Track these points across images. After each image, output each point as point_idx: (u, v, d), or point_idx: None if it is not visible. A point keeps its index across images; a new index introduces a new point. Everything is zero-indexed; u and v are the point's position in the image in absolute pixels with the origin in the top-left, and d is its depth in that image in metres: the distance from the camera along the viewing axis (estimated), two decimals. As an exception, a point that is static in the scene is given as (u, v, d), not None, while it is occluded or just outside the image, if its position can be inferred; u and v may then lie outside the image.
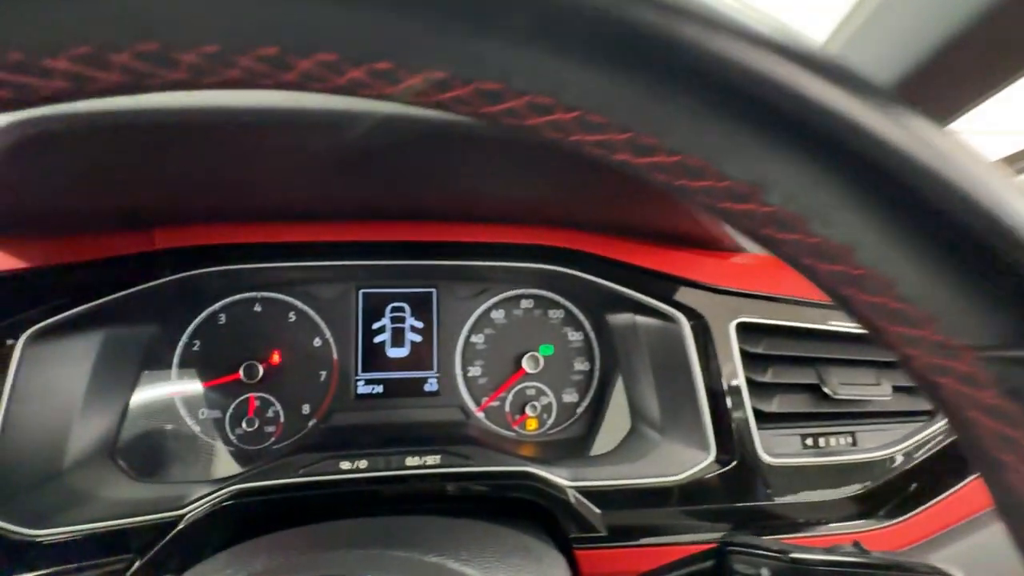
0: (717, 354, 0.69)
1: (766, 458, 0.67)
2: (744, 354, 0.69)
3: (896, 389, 0.69)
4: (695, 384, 0.69)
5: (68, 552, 0.55)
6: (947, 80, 0.43)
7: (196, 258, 0.65)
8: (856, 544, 0.45)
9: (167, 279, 0.64)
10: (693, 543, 0.64)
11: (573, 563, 0.58)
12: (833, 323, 0.71)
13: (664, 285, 0.71)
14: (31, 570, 0.54)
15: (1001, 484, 0.20)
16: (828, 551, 0.47)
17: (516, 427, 0.81)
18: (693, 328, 0.70)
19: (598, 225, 0.71)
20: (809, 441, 0.69)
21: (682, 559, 0.47)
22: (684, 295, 0.70)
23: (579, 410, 0.82)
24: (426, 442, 0.69)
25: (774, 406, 0.69)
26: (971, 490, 0.66)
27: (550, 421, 0.82)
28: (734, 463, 0.66)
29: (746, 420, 0.67)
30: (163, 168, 0.51)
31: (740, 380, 0.68)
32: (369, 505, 0.64)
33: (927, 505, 0.66)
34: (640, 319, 0.75)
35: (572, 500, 0.63)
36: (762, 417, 0.68)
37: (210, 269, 0.66)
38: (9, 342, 0.56)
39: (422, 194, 0.61)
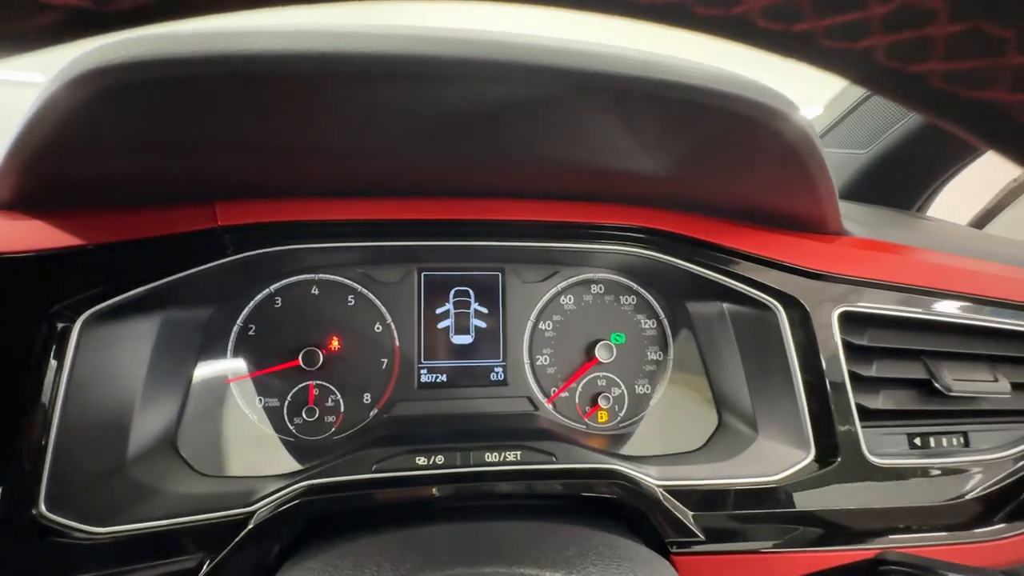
0: (817, 346, 0.63)
1: (871, 458, 0.62)
2: (847, 346, 0.63)
3: (1015, 386, 0.64)
4: (792, 377, 0.64)
5: (134, 551, 0.51)
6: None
7: (258, 236, 0.60)
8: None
9: (228, 259, 0.59)
10: (797, 551, 0.60)
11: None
12: (946, 313, 0.65)
13: (759, 270, 0.65)
14: (94, 570, 0.50)
15: None
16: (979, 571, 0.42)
17: (587, 419, 0.76)
18: (791, 317, 0.64)
19: (693, 203, 0.65)
20: (917, 441, 0.64)
21: (825, 572, 0.43)
22: (782, 281, 0.65)
23: (652, 402, 0.78)
24: (497, 436, 0.64)
25: (879, 402, 0.64)
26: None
27: (622, 414, 0.77)
28: (836, 463, 0.61)
29: (849, 417, 0.62)
30: (236, 128, 0.46)
31: (843, 374, 0.63)
32: (447, 503, 0.60)
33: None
34: (730, 307, 0.69)
35: (663, 500, 0.59)
36: (866, 414, 0.63)
37: (271, 249, 0.61)
38: (65, 325, 0.51)
39: (521, 159, 0.55)
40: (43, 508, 0.49)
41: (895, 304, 0.65)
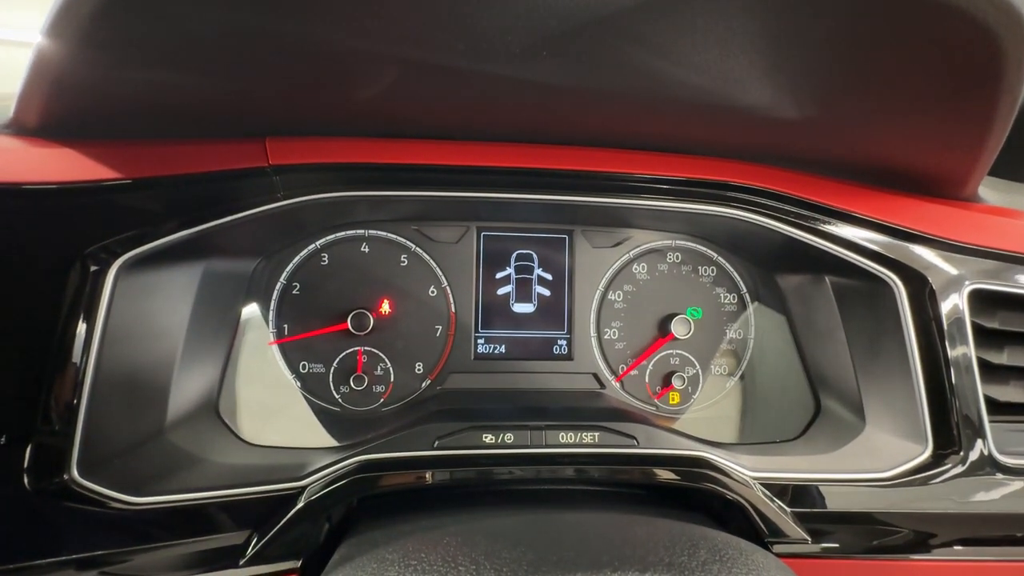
0: (942, 327, 0.55)
1: (999, 456, 0.54)
2: (976, 329, 0.55)
3: None
4: (910, 362, 0.56)
5: (174, 524, 0.46)
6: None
7: (310, 179, 0.53)
8: None
9: (278, 204, 0.52)
10: (909, 558, 0.52)
11: None
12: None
13: (875, 237, 0.57)
14: (130, 544, 0.45)
15: None
16: None
17: (658, 400, 0.69)
18: (911, 293, 0.56)
19: (807, 158, 0.57)
20: (1053, 439, 0.56)
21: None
22: (904, 252, 0.56)
23: (728, 384, 0.70)
24: (562, 415, 0.57)
25: (1010, 394, 0.56)
26: None
27: (696, 396, 0.70)
28: (957, 459, 0.54)
29: (976, 409, 0.54)
30: (286, 30, 0.38)
31: (970, 360, 0.55)
32: (517, 486, 0.54)
33: None
34: (834, 279, 0.61)
35: (759, 494, 0.52)
36: (995, 407, 0.55)
37: (323, 196, 0.54)
38: (99, 269, 0.45)
39: (630, 86, 0.46)
40: (75, 473, 0.44)
41: (1034, 282, 0.56)
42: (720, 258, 0.70)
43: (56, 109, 0.44)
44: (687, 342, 0.69)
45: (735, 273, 0.71)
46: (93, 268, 0.45)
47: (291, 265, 0.64)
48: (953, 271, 0.56)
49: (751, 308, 0.71)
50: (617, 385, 0.69)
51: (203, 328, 0.54)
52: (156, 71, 0.42)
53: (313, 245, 0.64)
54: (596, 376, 0.69)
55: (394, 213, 0.65)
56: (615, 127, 0.56)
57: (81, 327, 0.45)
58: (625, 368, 0.69)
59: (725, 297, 0.71)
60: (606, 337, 0.69)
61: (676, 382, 0.68)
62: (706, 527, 0.44)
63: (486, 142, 0.58)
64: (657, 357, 0.69)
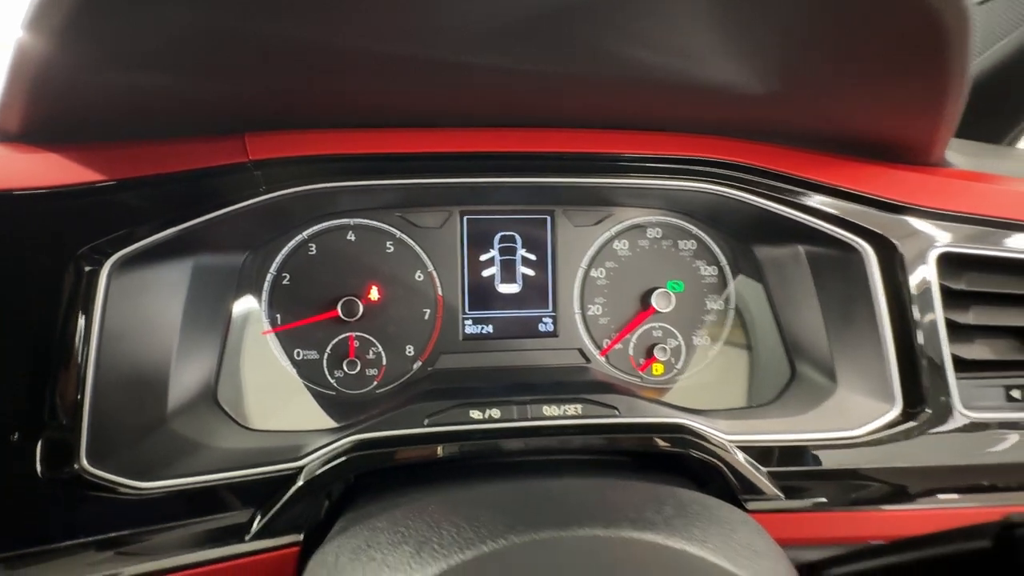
0: (911, 290, 0.57)
1: (964, 411, 0.57)
2: (944, 291, 0.57)
3: None
4: (879, 325, 0.58)
5: (181, 506, 0.49)
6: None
7: (291, 172, 0.54)
8: None
9: (261, 198, 0.53)
10: (880, 508, 0.55)
11: None
12: (1058, 253, 0.58)
13: (844, 205, 0.58)
14: (141, 525, 0.47)
15: None
16: None
17: (642, 372, 0.71)
18: (880, 259, 0.58)
19: (773, 131, 0.58)
20: (1016, 393, 0.58)
21: (946, 533, 0.38)
22: (873, 219, 0.58)
23: (711, 354, 0.72)
24: (549, 389, 0.60)
25: (975, 352, 0.58)
26: None
27: (679, 366, 0.72)
28: (925, 416, 0.56)
29: (942, 368, 0.57)
30: (267, 34, 0.39)
31: (938, 322, 0.57)
32: (503, 459, 0.56)
33: None
34: (807, 248, 0.63)
35: (735, 456, 0.54)
36: (961, 365, 0.57)
37: (306, 187, 0.55)
38: (93, 269, 0.47)
39: (596, 68, 0.47)
40: (85, 463, 0.46)
41: (1000, 244, 0.58)
42: (700, 232, 0.72)
43: (37, 114, 0.45)
44: (669, 315, 0.71)
45: (714, 246, 0.72)
46: (87, 268, 0.47)
47: (280, 256, 0.66)
48: (921, 236, 0.57)
49: (731, 280, 0.72)
50: (602, 359, 0.71)
51: (197, 321, 0.56)
52: (136, 71, 0.43)
53: (300, 236, 0.66)
54: (581, 351, 0.71)
55: (378, 201, 0.66)
56: (589, 109, 0.57)
57: (80, 325, 0.47)
58: (609, 342, 0.71)
59: (705, 270, 0.72)
60: (590, 313, 0.71)
61: (659, 354, 0.71)
62: (679, 487, 0.47)
63: (465, 128, 0.59)
64: (640, 330, 0.71)
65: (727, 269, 0.73)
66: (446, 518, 0.36)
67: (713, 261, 0.73)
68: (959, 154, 0.62)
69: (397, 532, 0.36)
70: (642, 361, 0.72)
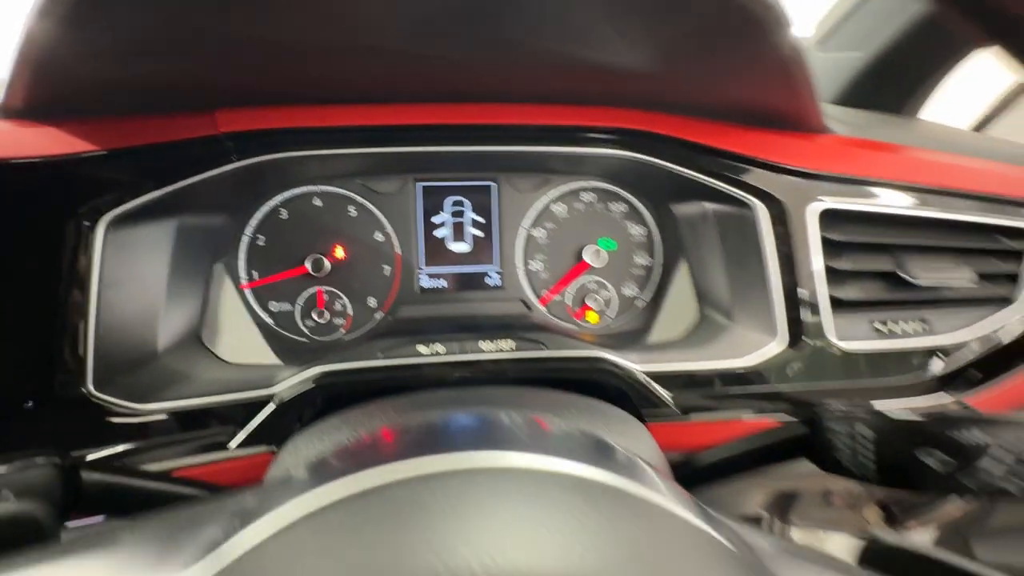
0: (795, 241, 0.67)
1: (837, 343, 0.67)
2: (824, 241, 0.67)
3: (979, 276, 0.68)
4: (767, 272, 0.68)
5: (172, 425, 0.58)
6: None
7: (259, 143, 0.63)
8: (958, 402, 0.46)
9: (233, 165, 0.62)
10: (761, 419, 0.66)
11: None
12: (917, 208, 0.68)
13: (739, 168, 0.68)
14: (138, 439, 0.57)
15: None
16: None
17: (578, 320, 0.82)
18: (770, 214, 0.67)
19: (675, 104, 0.67)
20: (880, 326, 0.69)
21: (778, 428, 0.49)
22: (762, 179, 0.67)
23: (638, 303, 0.83)
24: (493, 333, 0.70)
25: (849, 293, 0.68)
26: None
27: (611, 314, 0.82)
28: (804, 348, 0.67)
29: (818, 307, 0.67)
30: (227, 31, 0.48)
31: (818, 268, 0.67)
32: (445, 384, 0.66)
33: (998, 382, 0.66)
34: (712, 207, 0.72)
35: (643, 381, 0.65)
36: (836, 304, 0.67)
37: (273, 156, 0.64)
38: (90, 225, 0.56)
39: (512, 53, 0.56)
40: (91, 387, 0.56)
41: (870, 200, 0.68)
42: (628, 196, 0.81)
43: (40, 94, 0.53)
44: (602, 269, 0.81)
45: (642, 208, 0.82)
46: (85, 224, 0.56)
47: (254, 220, 0.74)
48: (803, 194, 0.67)
49: (657, 238, 0.82)
50: (543, 308, 0.81)
51: (182, 274, 0.65)
52: (124, 58, 0.51)
53: (272, 202, 0.75)
54: (524, 302, 0.81)
55: (340, 170, 0.75)
56: (516, 86, 0.66)
57: (81, 274, 0.56)
58: (548, 293, 0.81)
59: (633, 229, 0.82)
60: (532, 268, 0.81)
61: (592, 303, 0.80)
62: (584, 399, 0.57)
63: (416, 103, 0.68)
64: (576, 283, 0.81)
65: (654, 229, 0.82)
66: (383, 413, 0.46)
67: (641, 222, 0.82)
68: (844, 124, 0.71)
69: (341, 430, 0.46)
70: (578, 309, 0.82)
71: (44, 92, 0.53)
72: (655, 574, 0.18)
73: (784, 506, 0.86)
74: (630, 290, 0.83)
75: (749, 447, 0.51)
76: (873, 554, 0.31)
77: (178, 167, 0.59)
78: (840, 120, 0.72)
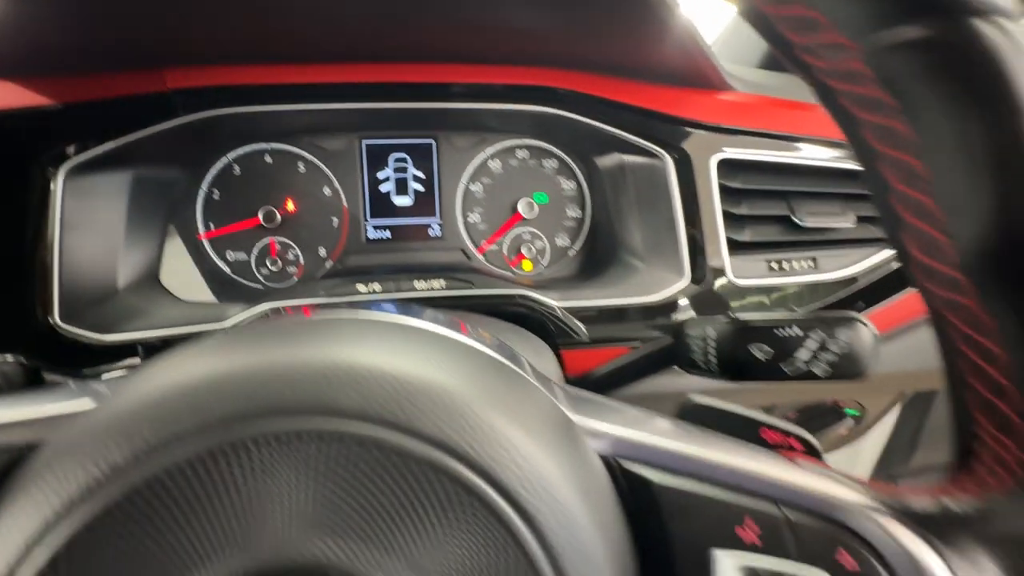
0: (697, 189, 0.74)
1: (735, 280, 0.75)
2: (722, 189, 0.75)
3: (860, 219, 0.76)
4: (675, 217, 0.75)
5: (132, 353, 0.65)
6: None
7: (207, 98, 0.69)
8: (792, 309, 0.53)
9: (181, 120, 0.68)
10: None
11: (560, 359, 0.69)
12: (809, 157, 0.75)
13: (650, 123, 0.75)
14: (103, 364, 0.64)
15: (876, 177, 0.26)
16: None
17: (513, 267, 0.89)
18: (676, 165, 0.75)
19: (590, 63, 0.73)
20: (774, 265, 0.77)
21: (651, 341, 0.57)
22: (669, 133, 0.74)
23: (571, 253, 0.90)
24: (430, 274, 0.77)
25: (746, 236, 0.76)
26: (909, 300, 0.75)
27: (544, 263, 0.90)
28: (707, 284, 0.75)
29: (719, 249, 0.75)
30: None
31: (717, 213, 0.74)
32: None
33: (872, 310, 0.75)
34: (627, 158, 0.79)
35: (560, 315, 0.73)
36: (735, 246, 0.75)
37: (221, 111, 0.70)
38: (53, 171, 0.62)
39: (430, 18, 0.63)
40: (58, 319, 0.63)
41: (765, 151, 0.75)
42: (560, 152, 0.88)
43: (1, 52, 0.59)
44: (535, 221, 0.88)
45: (572, 164, 0.89)
46: (50, 169, 0.62)
47: (209, 175, 0.80)
48: (705, 146, 0.74)
49: (586, 193, 0.89)
50: (480, 257, 0.88)
51: (140, 221, 0.72)
52: (80, 26, 0.56)
53: (225, 159, 0.81)
54: (463, 251, 0.88)
55: (289, 128, 0.81)
56: (446, 44, 0.72)
57: (47, 215, 0.62)
58: (485, 243, 0.88)
59: (565, 184, 0.89)
60: (470, 220, 0.88)
61: (526, 252, 0.88)
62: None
63: (355, 63, 0.74)
64: (512, 234, 0.88)
65: (584, 184, 0.89)
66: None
67: (572, 177, 0.89)
68: (746, 83, 0.78)
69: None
70: (513, 258, 0.89)
71: (5, 50, 0.59)
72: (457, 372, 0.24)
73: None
74: (562, 240, 0.90)
75: (632, 359, 0.60)
76: (683, 411, 0.38)
77: (129, 121, 0.65)
78: (744, 80, 0.79)
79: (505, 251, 0.89)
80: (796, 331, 0.47)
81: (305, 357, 0.23)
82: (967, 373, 0.24)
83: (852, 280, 0.77)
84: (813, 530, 0.23)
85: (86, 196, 0.66)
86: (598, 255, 0.89)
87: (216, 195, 0.81)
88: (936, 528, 0.23)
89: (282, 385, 0.21)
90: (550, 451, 0.22)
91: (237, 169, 0.81)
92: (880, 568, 0.22)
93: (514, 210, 0.87)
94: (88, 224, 0.66)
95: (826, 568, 0.23)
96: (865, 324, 0.46)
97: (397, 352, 0.24)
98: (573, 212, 0.90)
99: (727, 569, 0.23)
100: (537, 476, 0.21)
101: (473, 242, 0.88)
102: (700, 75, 0.72)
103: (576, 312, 0.74)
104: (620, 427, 0.26)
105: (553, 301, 0.74)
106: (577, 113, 0.76)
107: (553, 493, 0.21)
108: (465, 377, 0.23)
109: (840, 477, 0.26)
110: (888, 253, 0.77)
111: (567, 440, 0.23)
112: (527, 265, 0.89)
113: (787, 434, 0.32)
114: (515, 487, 0.20)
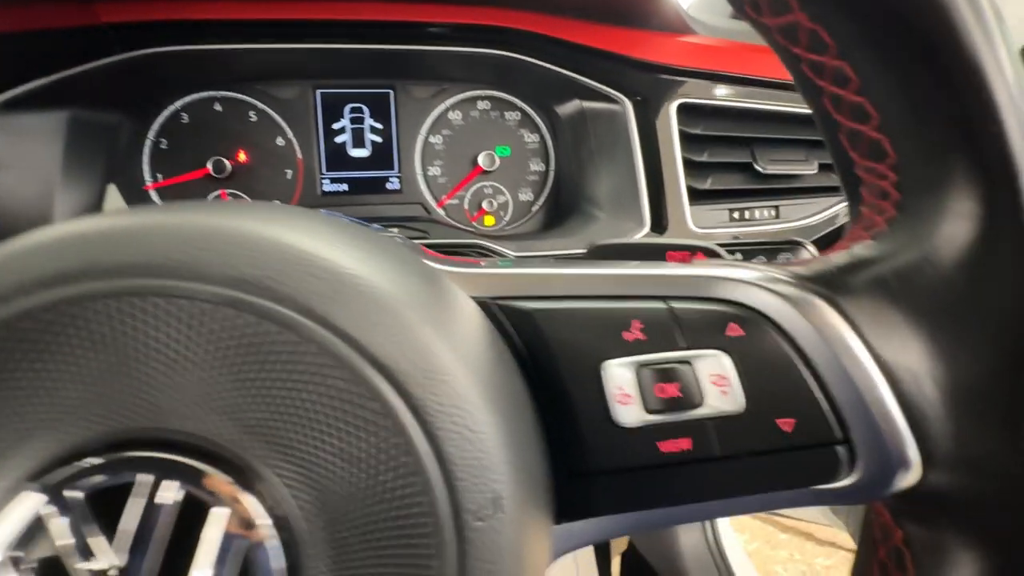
0: (657, 135, 0.72)
1: (695, 230, 0.73)
2: (683, 135, 0.73)
3: (821, 167, 0.74)
4: (635, 165, 0.73)
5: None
6: None
7: (145, 35, 0.66)
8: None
9: (118, 58, 0.65)
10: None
11: None
12: (771, 103, 0.73)
13: (609, 66, 0.72)
14: None
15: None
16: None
17: (474, 222, 0.87)
18: (636, 110, 0.73)
19: (550, 4, 0.71)
20: (736, 215, 0.75)
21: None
22: (628, 77, 0.72)
23: (534, 208, 0.88)
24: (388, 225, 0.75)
25: (708, 183, 0.74)
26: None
27: (506, 218, 0.88)
28: (667, 233, 0.73)
29: (679, 198, 0.73)
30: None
31: (678, 161, 0.72)
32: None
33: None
34: (587, 105, 0.77)
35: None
36: (696, 195, 0.74)
37: (161, 49, 0.67)
38: (-23, 110, 0.59)
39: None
40: (-13, 261, 0.60)
41: (728, 95, 0.73)
42: (521, 103, 0.86)
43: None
44: (497, 174, 0.86)
45: (535, 116, 0.86)
46: (-26, 107, 0.59)
47: (156, 124, 0.78)
48: (665, 90, 0.72)
49: (549, 146, 0.87)
50: (440, 211, 0.86)
51: (78, 165, 0.69)
52: None
53: (173, 106, 0.78)
54: (423, 205, 0.86)
55: (237, 74, 0.78)
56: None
57: (-29, 155, 0.59)
58: (445, 197, 0.86)
59: (528, 137, 0.87)
60: (430, 174, 0.85)
61: (487, 206, 0.86)
62: None
63: (308, 1, 0.71)
64: (473, 188, 0.86)
65: (547, 136, 0.87)
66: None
67: (535, 130, 0.87)
68: (709, 28, 0.76)
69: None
70: (475, 213, 0.87)
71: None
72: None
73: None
74: (525, 195, 0.88)
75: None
76: (590, 252, 0.37)
77: (61, 56, 0.62)
78: (708, 24, 0.76)
79: (466, 205, 0.87)
80: (739, 257, 0.45)
81: (194, 221, 0.21)
82: (831, 110, 0.23)
83: (812, 230, 0.76)
84: (700, 314, 0.22)
85: (19, 135, 0.63)
86: (562, 210, 0.87)
87: (164, 144, 0.78)
88: (824, 281, 0.22)
89: (153, 244, 0.20)
90: (411, 300, 0.20)
91: (185, 117, 0.79)
92: (769, 328, 0.22)
93: (475, 163, 0.85)
94: (22, 163, 0.64)
95: (718, 347, 0.22)
96: (806, 247, 0.45)
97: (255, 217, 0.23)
98: (536, 166, 0.88)
99: (614, 376, 0.22)
100: (399, 327, 0.19)
101: (433, 196, 0.86)
102: (660, 16, 0.70)
103: (528, 260, 0.72)
104: (492, 269, 0.25)
105: (508, 251, 0.72)
106: (536, 58, 0.74)
107: (414, 343, 0.19)
108: (326, 237, 0.22)
109: (731, 263, 0.25)
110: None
111: (432, 290, 0.22)
112: (489, 220, 0.87)
113: (693, 250, 0.31)
114: (375, 344, 0.18)
